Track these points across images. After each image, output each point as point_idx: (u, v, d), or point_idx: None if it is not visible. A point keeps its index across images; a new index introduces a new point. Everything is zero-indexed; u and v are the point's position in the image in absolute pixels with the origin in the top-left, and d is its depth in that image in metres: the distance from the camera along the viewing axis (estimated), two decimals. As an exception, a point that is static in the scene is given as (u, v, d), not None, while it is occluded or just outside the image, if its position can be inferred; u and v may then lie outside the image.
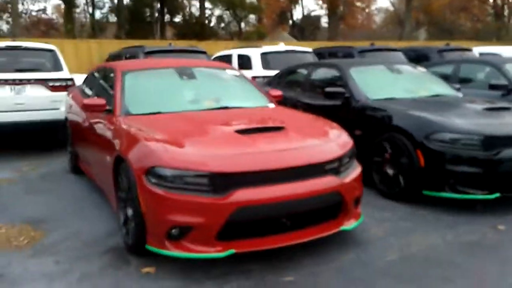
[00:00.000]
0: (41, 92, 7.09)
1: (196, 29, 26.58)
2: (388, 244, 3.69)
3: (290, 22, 34.54)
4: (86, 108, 4.26)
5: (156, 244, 3.19)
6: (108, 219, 4.28)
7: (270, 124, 3.73)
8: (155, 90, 4.50)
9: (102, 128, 4.24)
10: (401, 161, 4.58)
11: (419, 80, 5.99)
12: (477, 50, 12.44)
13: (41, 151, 7.50)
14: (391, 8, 44.42)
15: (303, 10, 35.55)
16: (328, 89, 5.53)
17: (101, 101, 4.23)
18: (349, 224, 3.55)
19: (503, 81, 6.47)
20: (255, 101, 4.64)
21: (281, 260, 3.37)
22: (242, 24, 28.81)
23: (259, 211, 3.12)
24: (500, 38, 37.95)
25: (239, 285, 3.08)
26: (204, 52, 8.63)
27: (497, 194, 4.24)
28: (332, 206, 3.45)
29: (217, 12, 27.80)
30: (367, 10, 44.47)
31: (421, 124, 4.47)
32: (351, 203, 3.54)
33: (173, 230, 3.10)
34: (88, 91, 5.52)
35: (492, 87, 6.43)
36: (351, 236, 3.76)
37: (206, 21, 27.06)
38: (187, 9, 27.27)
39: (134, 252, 3.48)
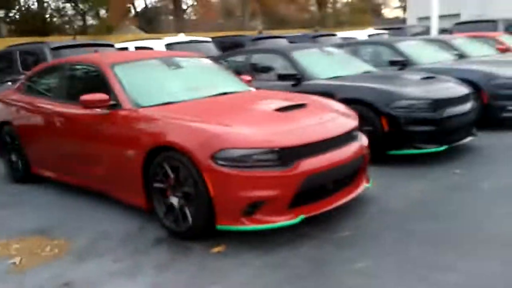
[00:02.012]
0: None
1: (37, 24, 24.36)
2: (390, 194, 4.37)
3: (133, 14, 33.67)
4: (85, 104, 4.03)
5: (231, 222, 3.35)
6: (125, 215, 4.19)
7: (295, 102, 4.07)
8: (150, 81, 4.45)
9: (107, 124, 4.07)
10: (365, 129, 5.28)
11: (346, 60, 6.83)
12: (339, 35, 14.14)
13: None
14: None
15: (145, 2, 34.87)
16: (281, 72, 6.01)
17: (103, 96, 4.05)
18: (368, 183, 4.13)
19: (400, 58, 7.69)
20: (239, 86, 4.88)
21: (324, 221, 3.78)
22: (88, 18, 27.26)
23: (319, 177, 3.50)
24: (323, 25, 42.48)
25: (310, 245, 3.43)
26: (112, 45, 8.34)
27: (445, 146, 5.25)
28: (358, 168, 3.98)
29: (57, 5, 25.77)
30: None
31: (382, 95, 5.24)
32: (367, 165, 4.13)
33: (248, 206, 3.31)
34: (40, 93, 5.11)
35: (392, 63, 7.59)
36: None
37: (48, 16, 24.92)
38: (23, 3, 24.67)
39: (191, 237, 3.56)
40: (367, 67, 6.68)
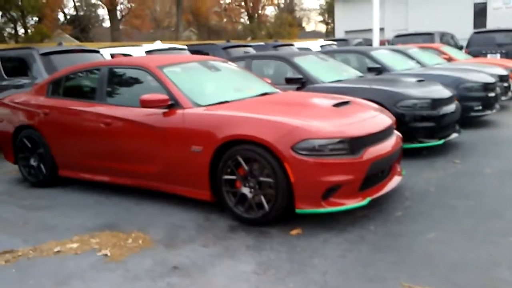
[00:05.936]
0: None
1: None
2: (415, 181, 4.94)
3: (64, 21, 32.40)
4: (145, 104, 4.20)
5: (311, 206, 3.70)
6: (182, 208, 4.41)
7: (342, 100, 4.52)
8: (198, 81, 4.70)
9: (167, 123, 4.25)
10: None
11: (338, 66, 7.42)
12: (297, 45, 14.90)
13: None
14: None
15: (76, 9, 33.54)
16: (288, 76, 6.45)
17: (163, 96, 4.25)
18: (403, 171, 4.67)
19: (376, 65, 8.42)
20: (269, 87, 5.24)
21: (373, 206, 4.22)
22: (19, 26, 25.98)
23: (379, 164, 3.97)
24: (254, 36, 43.57)
25: (376, 224, 3.88)
26: (98, 51, 8.31)
27: (443, 140, 5.96)
28: (397, 157, 4.50)
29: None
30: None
31: (389, 95, 5.86)
32: (401, 155, 4.68)
33: (327, 190, 3.69)
34: (74, 95, 5.16)
35: (370, 69, 8.31)
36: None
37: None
38: None
39: (265, 223, 3.87)
40: (357, 72, 7.31)
